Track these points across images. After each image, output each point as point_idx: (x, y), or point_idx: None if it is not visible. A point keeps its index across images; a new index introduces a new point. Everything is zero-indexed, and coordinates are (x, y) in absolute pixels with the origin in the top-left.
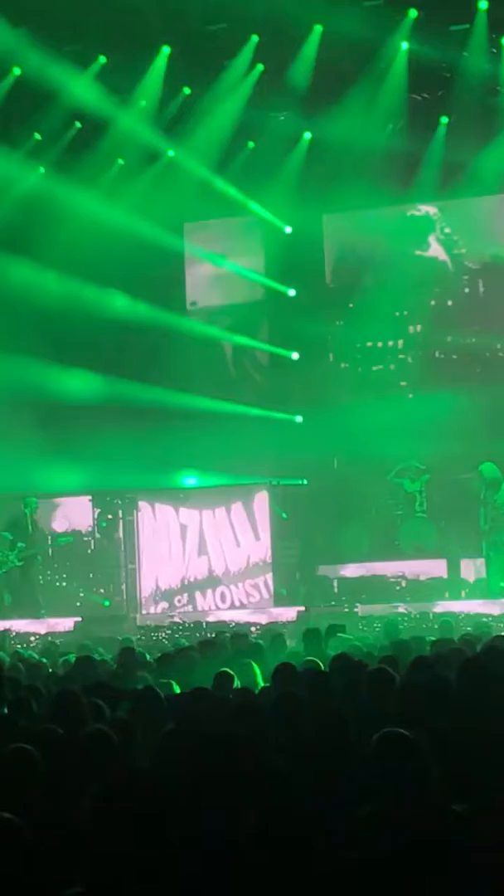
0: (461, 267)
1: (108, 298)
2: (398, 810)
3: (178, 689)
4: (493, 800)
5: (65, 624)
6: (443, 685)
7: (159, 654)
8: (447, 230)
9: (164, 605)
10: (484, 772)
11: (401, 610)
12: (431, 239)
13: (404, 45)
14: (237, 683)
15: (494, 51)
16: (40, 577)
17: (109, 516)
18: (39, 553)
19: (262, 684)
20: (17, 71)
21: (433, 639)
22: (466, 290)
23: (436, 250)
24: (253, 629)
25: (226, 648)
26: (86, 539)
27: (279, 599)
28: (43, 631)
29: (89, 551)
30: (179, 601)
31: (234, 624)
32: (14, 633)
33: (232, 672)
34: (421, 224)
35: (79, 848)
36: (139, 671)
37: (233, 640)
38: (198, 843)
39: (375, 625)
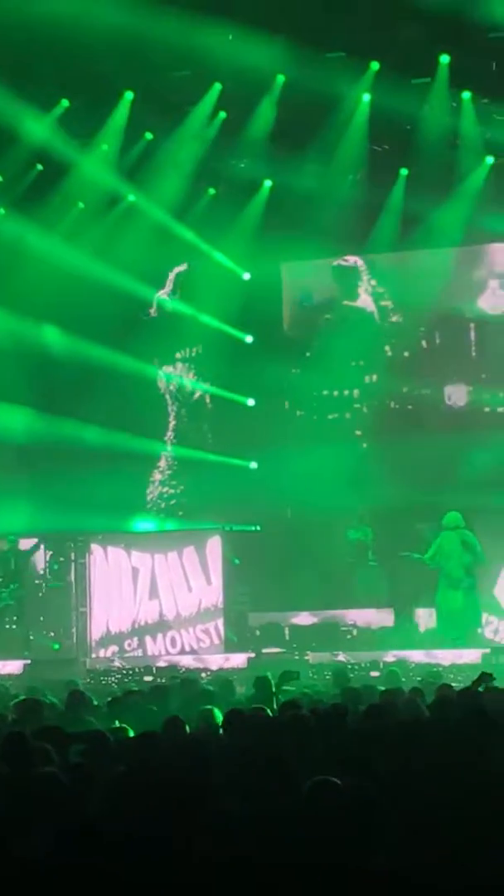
0: (418, 319)
1: (66, 340)
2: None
3: (131, 733)
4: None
5: (14, 666)
6: (392, 733)
7: (108, 699)
8: (407, 279)
9: (114, 648)
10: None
11: (344, 658)
12: (392, 289)
13: (366, 97)
14: (188, 729)
15: (455, 105)
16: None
17: (61, 559)
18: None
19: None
20: None
21: (384, 688)
22: (423, 342)
23: (396, 299)
24: (203, 675)
25: (176, 694)
26: (37, 582)
27: (230, 645)
28: None
29: (40, 594)
30: (129, 645)
31: (183, 669)
32: None
33: (182, 718)
34: (378, 275)
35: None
36: (87, 715)
37: (183, 686)
38: (147, 888)
39: (326, 673)
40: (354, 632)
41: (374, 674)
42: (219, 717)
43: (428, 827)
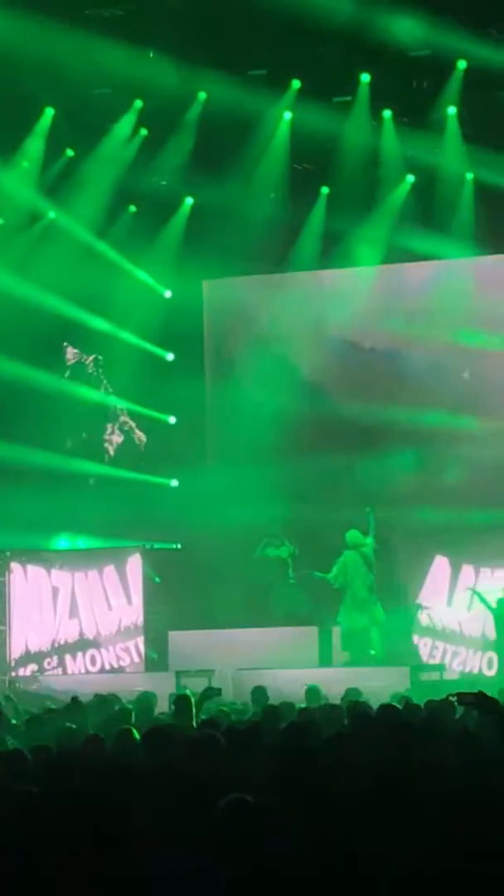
0: (338, 337)
1: None
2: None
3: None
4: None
5: None
6: (312, 750)
7: (27, 717)
8: (326, 299)
9: (33, 667)
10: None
11: (265, 676)
12: (312, 307)
13: (287, 115)
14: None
15: (375, 123)
16: None
17: None
18: None
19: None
20: None
21: (303, 705)
22: (343, 360)
23: (316, 319)
24: (122, 693)
25: (94, 712)
26: None
27: (150, 664)
28: None
29: None
30: (49, 664)
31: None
32: None
33: (101, 735)
34: (300, 292)
35: None
36: (4, 734)
37: (101, 704)
38: None
39: (246, 691)
40: (275, 649)
41: (295, 691)
42: (137, 735)
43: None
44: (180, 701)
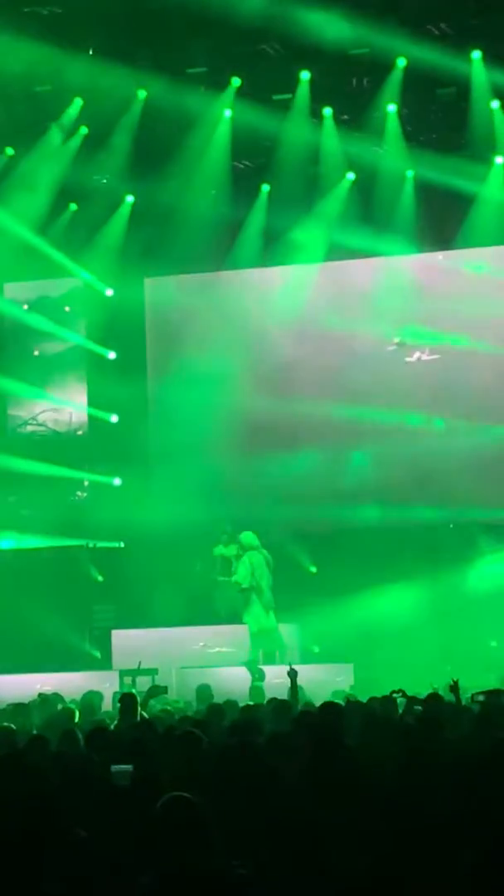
0: (281, 334)
1: None
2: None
3: None
4: (284, 859)
5: None
6: (253, 749)
7: None
8: (270, 295)
9: None
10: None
11: (210, 674)
12: (254, 305)
13: (227, 113)
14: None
15: (316, 121)
16: None
17: None
18: None
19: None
20: None
21: (249, 703)
22: (286, 357)
23: (259, 315)
24: (66, 693)
25: (37, 712)
26: None
27: (95, 662)
28: None
29: None
30: None
31: (48, 689)
32: None
33: (46, 737)
34: (242, 289)
35: None
36: None
37: (44, 704)
38: None
39: (191, 689)
40: (220, 648)
41: (239, 689)
42: (80, 735)
43: (292, 833)
44: (125, 699)
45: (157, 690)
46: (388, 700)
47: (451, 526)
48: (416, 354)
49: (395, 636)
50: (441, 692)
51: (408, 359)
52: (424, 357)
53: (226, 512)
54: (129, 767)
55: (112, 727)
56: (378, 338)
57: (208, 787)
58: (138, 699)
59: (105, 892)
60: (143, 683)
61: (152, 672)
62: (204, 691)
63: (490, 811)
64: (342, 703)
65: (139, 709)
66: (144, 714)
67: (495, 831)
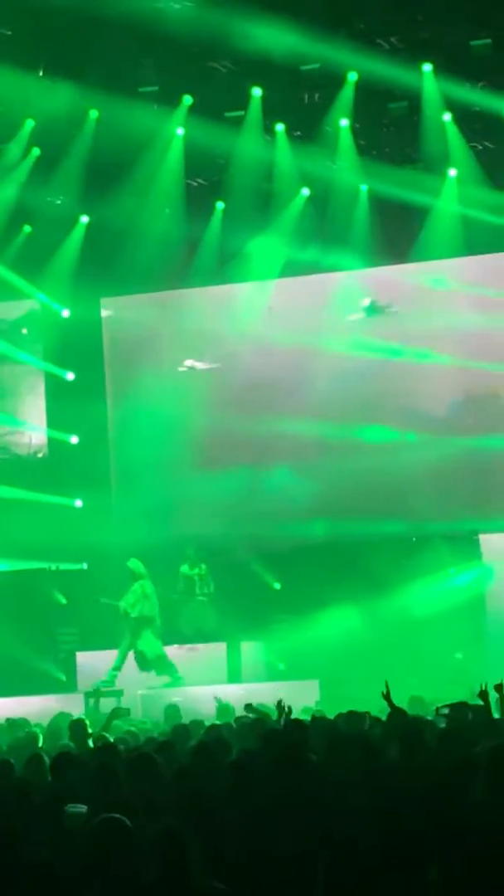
0: (239, 351)
1: None
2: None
3: None
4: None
5: None
6: (218, 770)
7: None
8: (227, 313)
9: None
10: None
11: (177, 693)
12: (211, 322)
13: (180, 131)
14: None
15: (269, 137)
16: None
17: None
18: None
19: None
20: None
21: (216, 722)
22: (245, 374)
23: (217, 332)
24: (30, 717)
25: (2, 736)
26: None
27: (59, 685)
28: None
29: None
30: None
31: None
32: None
33: (12, 761)
34: (199, 307)
35: None
36: None
37: (10, 728)
38: None
39: (155, 709)
40: (184, 667)
41: (206, 708)
42: (46, 760)
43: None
44: (74, 727)
45: (120, 712)
46: (355, 715)
47: (414, 539)
48: (375, 368)
49: (361, 651)
50: (406, 706)
51: (367, 373)
52: (382, 370)
53: (189, 531)
54: (82, 809)
55: (74, 753)
56: (336, 352)
57: (170, 809)
58: (87, 724)
59: None
60: (108, 705)
61: (118, 693)
62: (172, 711)
63: (456, 828)
64: (308, 719)
65: (90, 733)
66: (108, 736)
67: (461, 848)
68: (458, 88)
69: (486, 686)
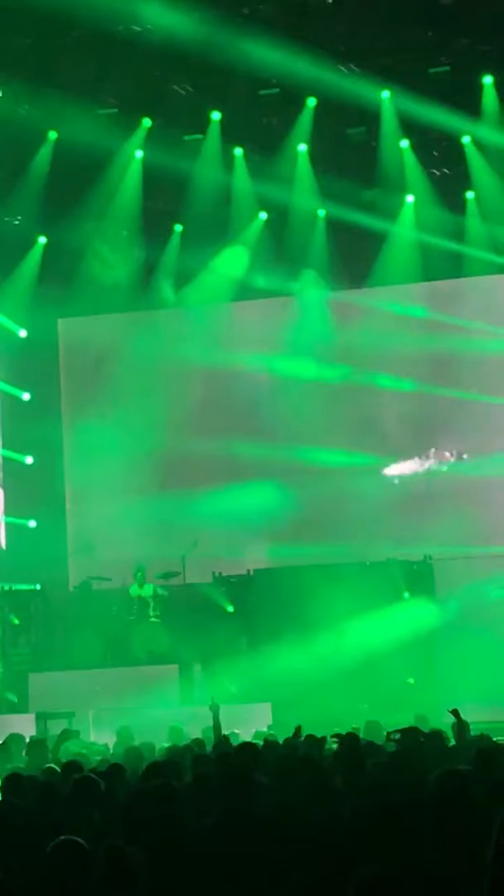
0: (196, 373)
1: None
2: None
3: None
4: None
5: None
6: (170, 793)
7: None
8: (182, 336)
9: None
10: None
11: (129, 716)
12: (168, 344)
13: (139, 153)
14: None
15: (227, 160)
16: None
17: None
18: None
19: None
20: None
21: (166, 745)
22: (202, 396)
23: (173, 356)
24: None
25: None
26: None
27: (9, 706)
28: None
29: None
30: None
31: None
32: None
33: None
34: (156, 329)
35: None
36: None
37: None
38: None
39: (107, 730)
40: (138, 689)
41: (157, 731)
42: None
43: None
44: (34, 745)
45: (68, 734)
46: (307, 739)
47: (368, 564)
48: (330, 392)
49: (313, 675)
50: (361, 731)
51: (321, 396)
52: (337, 394)
53: (142, 552)
54: None
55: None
56: (291, 376)
57: (119, 832)
58: (48, 744)
59: None
60: (59, 726)
61: (69, 715)
62: (124, 732)
63: (405, 851)
64: (261, 743)
65: (50, 754)
66: (60, 758)
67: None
68: (416, 115)
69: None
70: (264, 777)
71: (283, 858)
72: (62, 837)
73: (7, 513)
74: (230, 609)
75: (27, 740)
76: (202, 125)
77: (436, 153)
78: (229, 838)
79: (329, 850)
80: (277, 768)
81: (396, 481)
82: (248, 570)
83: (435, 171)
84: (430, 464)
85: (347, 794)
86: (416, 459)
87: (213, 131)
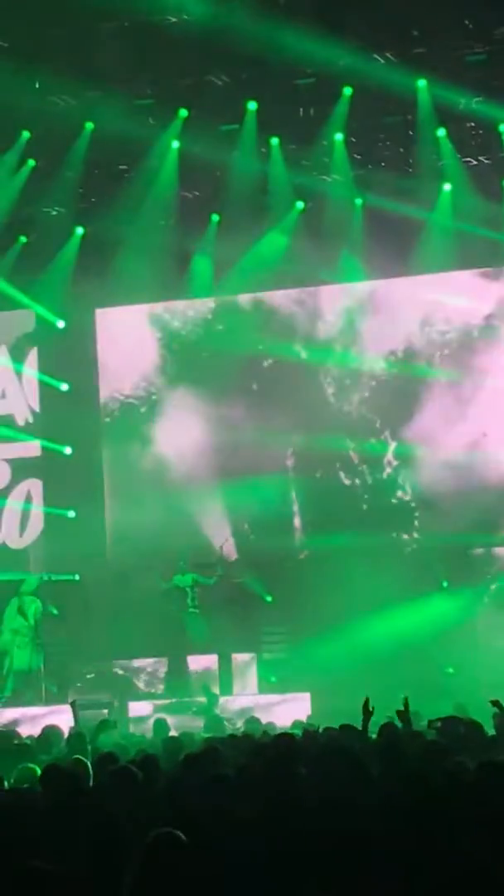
0: (234, 363)
1: None
2: None
3: None
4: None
5: None
6: (212, 782)
7: None
8: (219, 326)
9: None
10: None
11: (167, 705)
12: (205, 334)
13: (175, 144)
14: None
15: (264, 150)
16: None
17: None
18: None
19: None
20: None
21: (206, 735)
22: (239, 386)
23: (210, 346)
24: (22, 728)
25: None
26: None
27: (50, 697)
28: None
29: None
30: None
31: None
32: None
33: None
34: (193, 319)
35: None
36: None
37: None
38: None
39: (147, 722)
40: (177, 679)
41: (198, 721)
42: (37, 772)
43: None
44: (72, 739)
45: (105, 725)
46: (346, 728)
47: (407, 552)
48: (370, 381)
49: (352, 664)
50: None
51: (362, 385)
52: (378, 383)
53: (180, 543)
54: None
55: (65, 765)
56: (332, 364)
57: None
58: (86, 735)
59: None
60: (97, 717)
61: (106, 705)
62: (160, 725)
63: (444, 841)
64: (300, 732)
65: (89, 745)
66: (100, 749)
67: (448, 862)
68: (452, 103)
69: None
70: (303, 767)
71: (322, 851)
72: (160, 830)
73: (47, 503)
74: (269, 599)
75: (66, 732)
76: (238, 115)
77: (473, 141)
78: (270, 829)
79: (367, 840)
80: (318, 759)
81: (437, 469)
82: (287, 560)
83: (472, 159)
84: (471, 451)
85: (386, 783)
86: (457, 449)
87: (250, 121)
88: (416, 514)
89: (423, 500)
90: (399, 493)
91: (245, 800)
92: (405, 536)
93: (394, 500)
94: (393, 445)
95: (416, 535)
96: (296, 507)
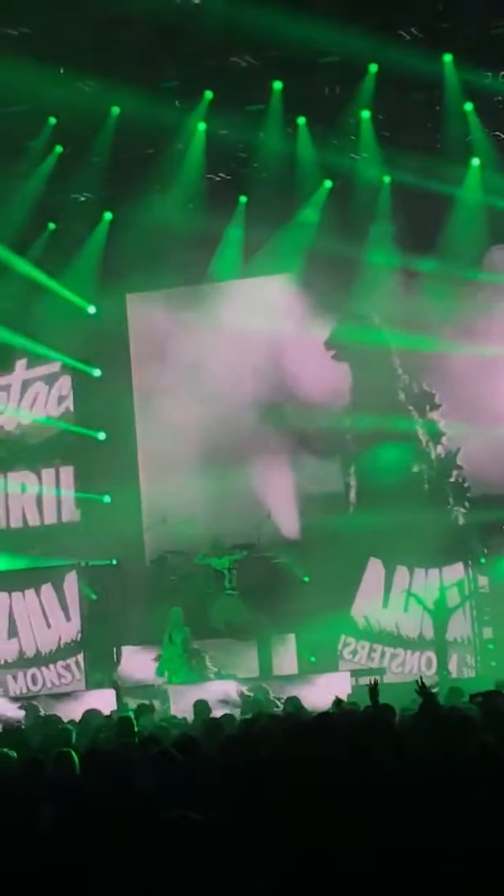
0: (264, 345)
1: None
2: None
3: None
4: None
5: None
6: (250, 764)
7: None
8: (250, 307)
9: None
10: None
11: (209, 688)
12: (235, 316)
13: (201, 126)
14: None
15: (290, 130)
16: None
17: None
18: None
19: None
20: None
21: (247, 716)
22: (270, 368)
23: (239, 328)
24: (63, 714)
25: (35, 733)
26: None
27: (91, 681)
28: None
29: None
30: None
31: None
32: None
33: (42, 758)
34: (224, 301)
35: None
36: None
37: (43, 726)
38: None
39: (186, 704)
40: (217, 661)
41: (238, 704)
42: (76, 757)
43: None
44: (122, 723)
45: (144, 708)
46: (384, 707)
47: (445, 527)
48: (402, 359)
49: (391, 642)
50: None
51: (394, 364)
52: (410, 361)
53: (216, 525)
54: None
55: (105, 750)
56: (361, 343)
57: (208, 803)
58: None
59: None
60: (137, 700)
61: (147, 689)
62: (200, 706)
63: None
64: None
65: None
66: (142, 732)
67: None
68: (479, 78)
69: None
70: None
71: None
72: (175, 812)
73: (82, 489)
74: (306, 579)
75: (106, 715)
76: (264, 96)
77: (501, 116)
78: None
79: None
80: (356, 738)
81: (468, 445)
82: (323, 539)
83: (500, 133)
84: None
85: (424, 760)
86: (488, 424)
87: (276, 101)
88: (453, 489)
89: (458, 478)
90: (433, 471)
91: (280, 782)
92: (443, 511)
93: (430, 477)
94: (424, 424)
95: (454, 510)
96: (332, 486)
